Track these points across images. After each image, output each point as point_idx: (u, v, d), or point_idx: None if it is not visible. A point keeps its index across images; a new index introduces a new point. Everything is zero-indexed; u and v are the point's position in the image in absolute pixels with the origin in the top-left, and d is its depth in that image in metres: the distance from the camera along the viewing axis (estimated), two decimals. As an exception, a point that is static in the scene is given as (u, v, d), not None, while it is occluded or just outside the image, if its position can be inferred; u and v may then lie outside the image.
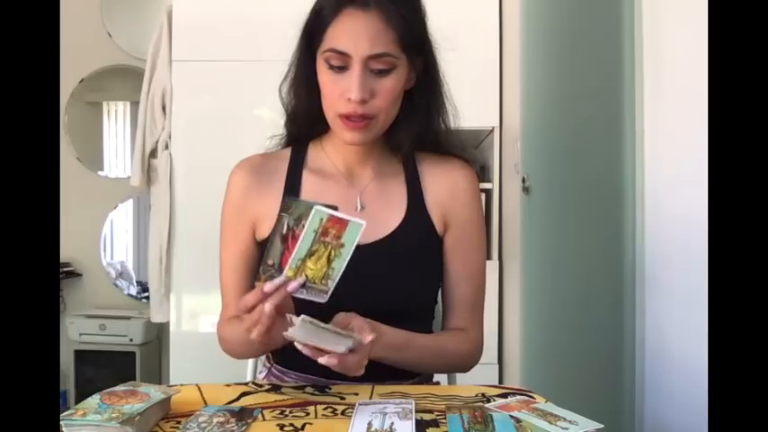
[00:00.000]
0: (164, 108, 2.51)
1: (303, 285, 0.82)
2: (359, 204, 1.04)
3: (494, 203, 2.41)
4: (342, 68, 0.95)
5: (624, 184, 1.21)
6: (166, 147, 2.50)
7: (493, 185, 2.42)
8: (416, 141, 1.05)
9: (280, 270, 0.82)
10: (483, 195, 2.41)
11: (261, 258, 1.06)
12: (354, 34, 0.94)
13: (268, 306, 0.81)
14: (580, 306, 1.50)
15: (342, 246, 0.81)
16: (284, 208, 0.83)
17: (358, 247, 0.99)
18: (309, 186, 1.05)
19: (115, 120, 3.43)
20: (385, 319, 0.99)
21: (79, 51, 3.15)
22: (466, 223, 1.07)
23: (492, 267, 2.35)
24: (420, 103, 1.03)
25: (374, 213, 1.03)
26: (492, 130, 2.42)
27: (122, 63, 3.27)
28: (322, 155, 1.08)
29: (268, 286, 0.82)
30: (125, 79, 3.26)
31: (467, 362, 1.06)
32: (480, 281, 1.09)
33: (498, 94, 2.40)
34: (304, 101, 1.03)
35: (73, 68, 3.17)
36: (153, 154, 2.56)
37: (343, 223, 0.80)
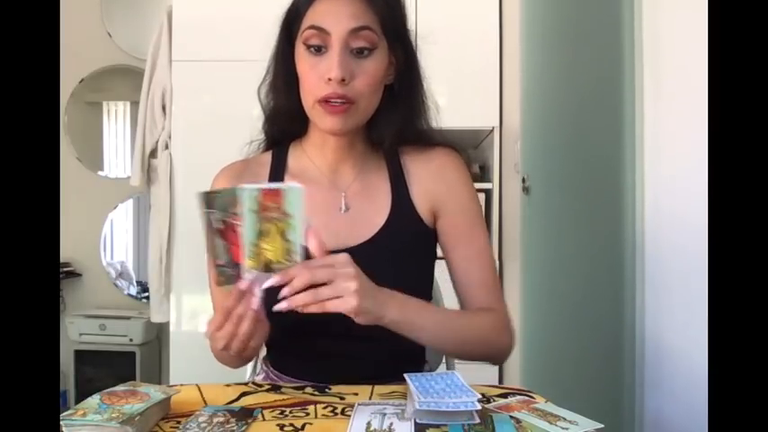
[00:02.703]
0: (164, 108, 2.51)
1: (270, 269, 0.78)
2: (343, 205, 1.02)
3: (494, 203, 2.41)
4: (321, 50, 0.94)
5: (624, 183, 1.21)
6: (166, 147, 2.51)
7: (493, 185, 2.42)
8: (398, 137, 1.03)
9: (234, 266, 0.78)
10: (483, 195, 2.42)
11: None
12: (334, 12, 0.93)
13: (255, 302, 0.79)
14: (580, 306, 1.50)
15: (289, 216, 0.77)
16: (203, 204, 0.78)
17: (349, 250, 0.97)
18: None
19: (115, 120, 3.44)
20: (366, 326, 0.97)
21: (79, 51, 3.16)
22: (459, 206, 1.04)
23: (492, 267, 2.36)
24: (400, 98, 1.02)
25: (359, 214, 1.01)
26: (492, 130, 2.42)
27: (122, 63, 3.27)
28: (303, 156, 1.05)
29: (244, 283, 0.78)
30: (125, 79, 3.27)
31: (501, 339, 0.99)
32: (489, 256, 1.05)
33: (498, 94, 2.41)
34: (283, 97, 1.02)
35: (73, 68, 3.18)
36: (153, 154, 2.57)
37: (277, 193, 0.76)
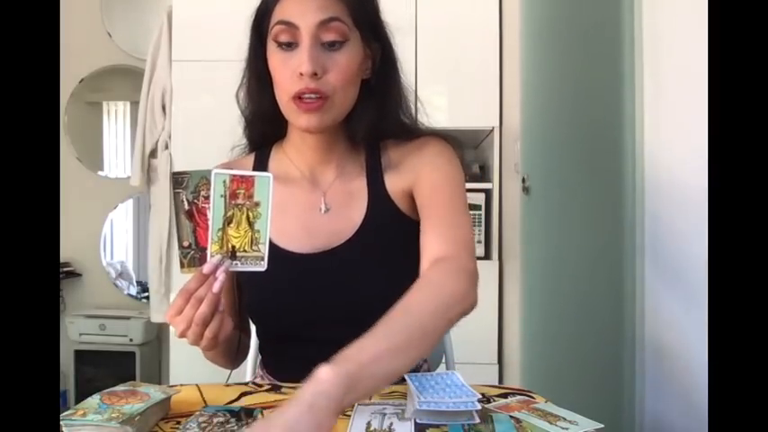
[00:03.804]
0: (164, 108, 2.51)
1: (234, 257, 0.79)
2: (323, 206, 1.00)
3: (494, 203, 2.41)
4: (291, 45, 0.92)
5: (624, 184, 1.21)
6: (166, 147, 2.51)
7: (493, 185, 2.42)
8: (373, 131, 1.00)
9: (199, 249, 0.80)
10: (483, 195, 2.42)
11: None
12: (302, 6, 0.92)
13: (216, 285, 0.77)
14: (580, 306, 1.50)
15: (257, 205, 0.78)
16: (176, 184, 0.80)
17: (323, 253, 0.96)
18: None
19: (115, 120, 3.44)
20: (355, 328, 0.95)
21: (79, 51, 3.16)
22: (433, 178, 0.96)
23: (492, 267, 2.36)
24: (376, 91, 1.00)
25: (338, 214, 1.00)
26: (492, 130, 2.42)
27: (122, 63, 3.27)
28: (284, 159, 1.04)
29: (207, 267, 0.77)
30: (125, 79, 3.27)
31: (459, 287, 0.84)
32: (466, 232, 0.93)
33: (498, 94, 2.41)
34: (258, 98, 1.00)
35: (73, 68, 3.18)
36: (153, 154, 2.56)
37: (248, 181, 0.77)
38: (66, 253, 3.17)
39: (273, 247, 0.91)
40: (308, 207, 1.01)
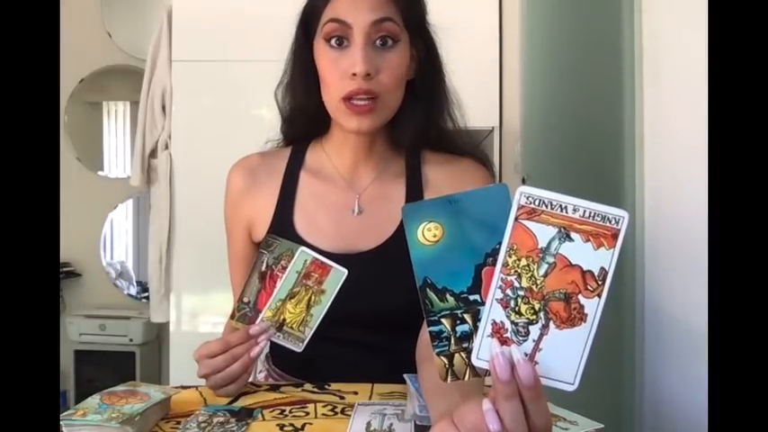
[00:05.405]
0: (164, 108, 2.51)
1: (280, 329, 0.83)
2: (357, 207, 1.00)
3: (494, 203, 2.41)
4: (342, 44, 0.91)
5: (624, 184, 1.21)
6: (166, 147, 2.50)
7: (493, 185, 2.42)
8: (420, 136, 1.00)
9: (254, 309, 0.84)
10: (483, 195, 2.42)
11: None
12: (355, 5, 0.91)
13: (256, 350, 0.83)
14: (580, 306, 1.50)
15: (322, 292, 0.82)
16: (265, 245, 0.84)
17: (350, 255, 0.97)
18: (306, 187, 1.02)
19: (115, 120, 3.43)
20: (387, 331, 0.96)
21: (79, 51, 3.15)
22: None
23: (492, 267, 2.35)
24: (422, 94, 0.99)
25: (371, 218, 0.99)
26: (492, 130, 2.42)
27: (122, 63, 3.27)
28: (322, 155, 1.04)
29: (255, 328, 0.83)
30: (125, 79, 3.27)
31: None
32: None
33: (498, 94, 2.41)
34: (302, 98, 1.00)
35: (73, 68, 3.18)
36: (153, 154, 2.56)
37: (326, 268, 0.82)
38: (66, 253, 3.17)
39: (299, 240, 0.93)
40: (340, 206, 1.00)
